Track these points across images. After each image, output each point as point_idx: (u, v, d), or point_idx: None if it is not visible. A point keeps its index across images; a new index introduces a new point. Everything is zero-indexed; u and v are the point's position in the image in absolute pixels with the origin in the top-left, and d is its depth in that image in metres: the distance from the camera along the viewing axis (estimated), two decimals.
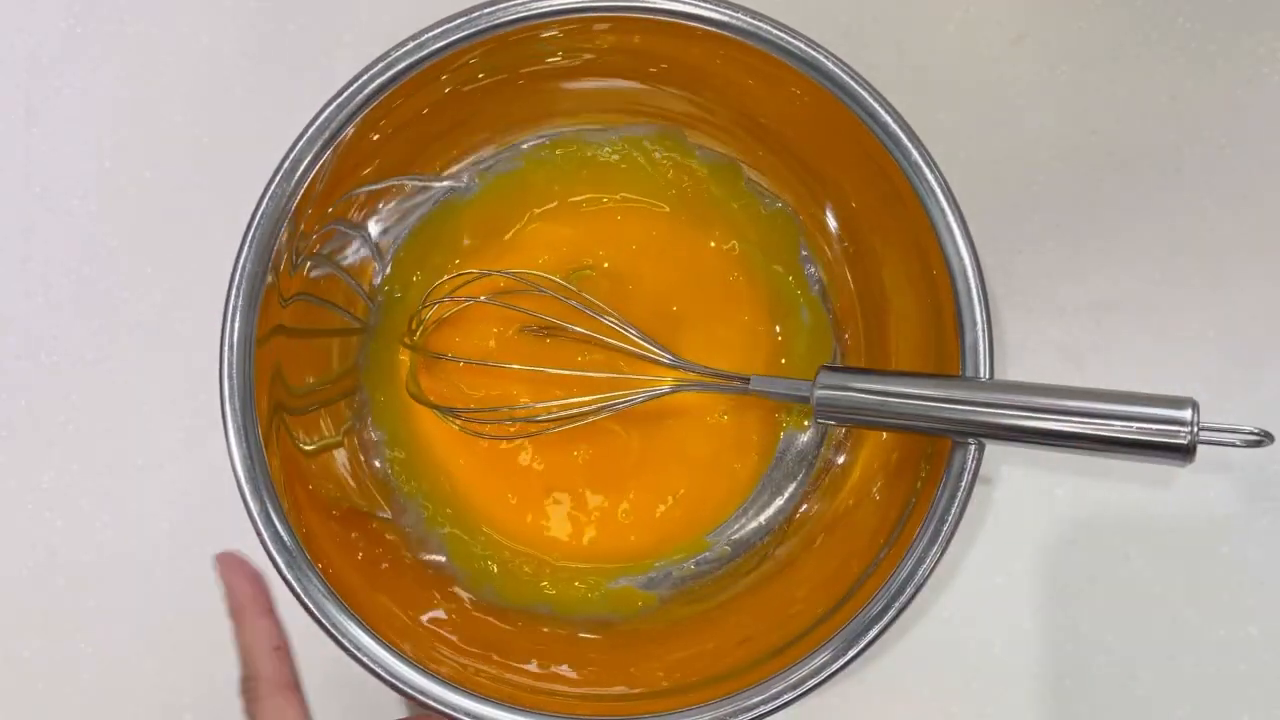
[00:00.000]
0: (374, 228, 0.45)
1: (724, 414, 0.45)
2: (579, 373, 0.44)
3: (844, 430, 0.45)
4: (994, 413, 0.36)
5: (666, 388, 0.43)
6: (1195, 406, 0.33)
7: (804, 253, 0.46)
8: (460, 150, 0.46)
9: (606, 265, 0.45)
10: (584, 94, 0.45)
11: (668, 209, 0.46)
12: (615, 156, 0.46)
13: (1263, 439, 0.33)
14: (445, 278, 0.45)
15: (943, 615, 0.45)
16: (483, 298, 0.45)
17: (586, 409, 0.43)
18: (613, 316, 0.43)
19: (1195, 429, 0.33)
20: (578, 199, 0.46)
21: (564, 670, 0.42)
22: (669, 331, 0.44)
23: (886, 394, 0.37)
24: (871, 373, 0.39)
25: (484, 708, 0.37)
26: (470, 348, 0.45)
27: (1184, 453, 0.33)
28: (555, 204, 0.46)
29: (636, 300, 0.45)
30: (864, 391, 0.38)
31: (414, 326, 0.44)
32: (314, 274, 0.43)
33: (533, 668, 0.41)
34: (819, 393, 0.38)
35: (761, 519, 0.45)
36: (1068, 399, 0.35)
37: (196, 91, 0.48)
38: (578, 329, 0.44)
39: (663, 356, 0.43)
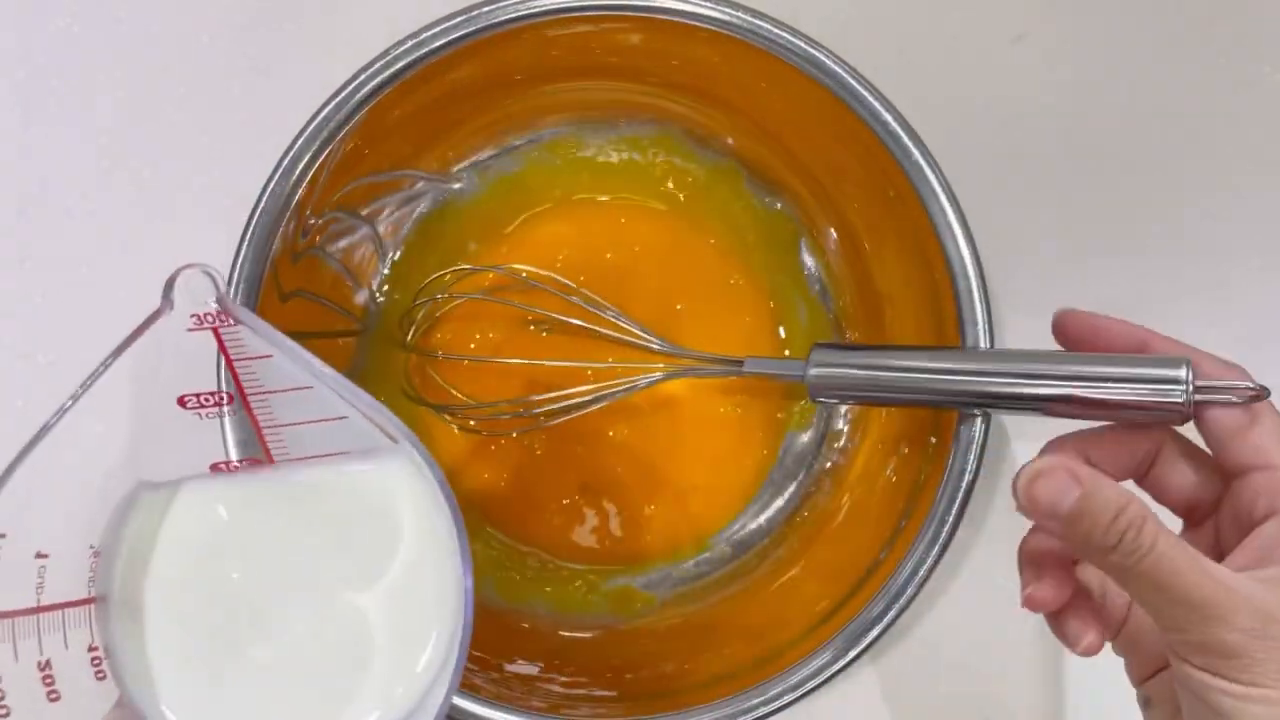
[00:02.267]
0: (373, 229, 0.45)
1: (727, 415, 0.45)
2: (573, 364, 0.44)
3: (844, 431, 0.45)
4: (987, 380, 0.35)
5: (660, 374, 0.43)
6: (1189, 365, 0.33)
7: (804, 253, 0.46)
8: (460, 150, 0.46)
9: (609, 264, 0.45)
10: (584, 93, 0.45)
11: (668, 209, 0.46)
12: (616, 157, 0.46)
13: (1260, 393, 0.32)
14: (435, 275, 0.45)
15: (944, 617, 0.45)
16: (476, 294, 0.45)
17: (582, 400, 0.43)
18: (604, 307, 0.43)
19: (1191, 387, 0.33)
20: (579, 199, 0.46)
21: (559, 671, 0.41)
22: (671, 332, 0.44)
23: (879, 367, 0.37)
24: (864, 348, 0.39)
25: (479, 707, 0.37)
26: (465, 345, 0.45)
27: (1181, 411, 0.32)
28: (556, 204, 0.46)
29: (639, 300, 0.45)
30: (857, 366, 0.38)
31: (405, 325, 0.44)
32: (313, 273, 0.43)
33: (529, 668, 0.41)
34: (813, 370, 0.38)
35: (762, 520, 0.45)
36: (1062, 364, 0.34)
37: (196, 91, 0.48)
38: (571, 321, 0.43)
39: (653, 342, 0.43)
